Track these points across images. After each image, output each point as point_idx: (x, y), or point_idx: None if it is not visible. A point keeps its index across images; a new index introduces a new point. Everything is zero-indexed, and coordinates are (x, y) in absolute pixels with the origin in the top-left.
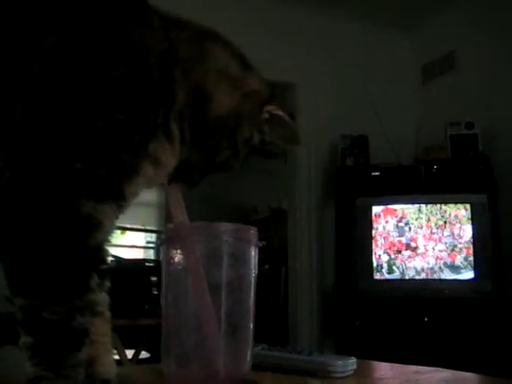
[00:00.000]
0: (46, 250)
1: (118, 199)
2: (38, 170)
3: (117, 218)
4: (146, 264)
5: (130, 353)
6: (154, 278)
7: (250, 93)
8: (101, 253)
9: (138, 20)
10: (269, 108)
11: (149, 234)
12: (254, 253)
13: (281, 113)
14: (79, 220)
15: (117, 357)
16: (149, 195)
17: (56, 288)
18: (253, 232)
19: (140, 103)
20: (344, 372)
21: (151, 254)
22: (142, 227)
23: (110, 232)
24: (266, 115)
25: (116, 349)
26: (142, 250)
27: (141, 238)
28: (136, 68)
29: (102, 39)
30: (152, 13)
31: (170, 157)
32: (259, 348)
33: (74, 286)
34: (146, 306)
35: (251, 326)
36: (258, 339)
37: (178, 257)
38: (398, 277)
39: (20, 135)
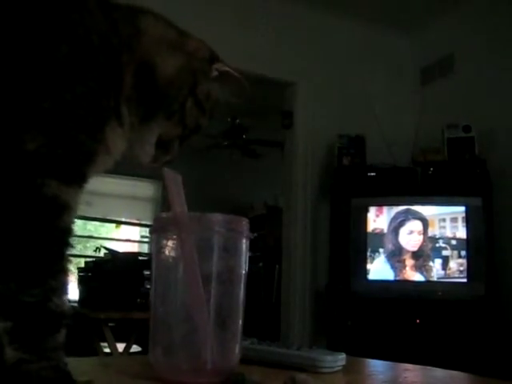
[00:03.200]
0: (18, 233)
1: (80, 181)
2: None
3: (79, 201)
4: (140, 258)
5: (121, 346)
6: (147, 272)
7: (193, 51)
8: (69, 235)
9: (75, 3)
10: (216, 66)
11: (143, 229)
12: (245, 244)
13: (228, 68)
14: (45, 201)
15: (108, 349)
16: (144, 190)
17: (31, 270)
18: (245, 223)
19: (88, 83)
20: (333, 367)
21: (145, 248)
22: (137, 221)
23: (74, 215)
24: (216, 73)
25: (107, 341)
26: (136, 244)
27: (135, 232)
28: (79, 48)
29: (42, 21)
30: None
31: (119, 142)
32: (248, 342)
33: (48, 267)
34: (139, 300)
35: (240, 319)
36: (249, 336)
37: (168, 246)
38: (391, 278)
39: None
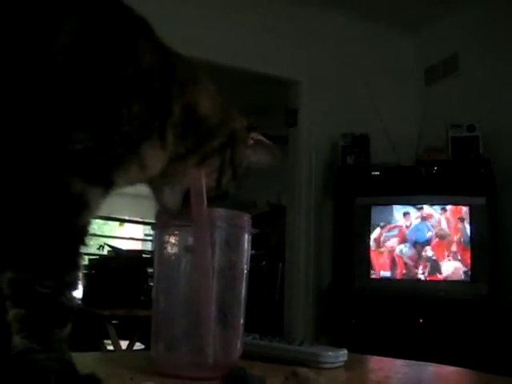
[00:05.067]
0: (40, 225)
1: (106, 185)
2: (36, 146)
3: (101, 203)
4: (143, 255)
5: (124, 343)
6: (150, 270)
7: (235, 117)
8: (85, 234)
9: (145, 34)
10: (253, 135)
11: (147, 227)
12: (247, 240)
13: (263, 138)
14: (70, 197)
15: (111, 347)
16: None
17: (49, 262)
18: (247, 219)
19: (143, 103)
20: (334, 363)
21: (149, 246)
22: (141, 220)
23: (94, 216)
24: (251, 141)
25: (110, 339)
26: (139, 242)
27: (139, 231)
28: (141, 72)
29: (118, 41)
30: (152, 31)
31: (157, 161)
32: (250, 337)
33: (65, 262)
34: (142, 297)
35: (242, 314)
36: (250, 332)
37: (170, 242)
38: (395, 277)
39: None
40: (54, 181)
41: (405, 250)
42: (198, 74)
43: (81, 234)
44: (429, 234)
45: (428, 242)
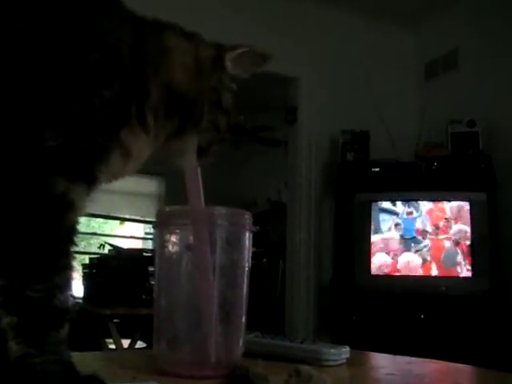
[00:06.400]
0: (25, 229)
1: (89, 181)
2: (11, 147)
3: (86, 201)
4: (144, 254)
5: (126, 342)
6: (151, 269)
7: (204, 61)
8: (74, 233)
9: (108, 11)
10: (228, 57)
11: (148, 225)
12: (248, 238)
13: (238, 50)
14: (53, 198)
15: (113, 346)
16: (148, 186)
17: (36, 266)
18: (247, 217)
19: (113, 88)
20: (337, 360)
21: (150, 245)
22: (141, 218)
23: (80, 214)
24: (229, 64)
25: (112, 337)
26: (140, 241)
27: (139, 229)
28: (108, 55)
29: (76, 26)
30: (121, 5)
31: (143, 148)
32: (252, 335)
33: (53, 264)
34: (143, 296)
35: (244, 312)
36: (253, 330)
37: (171, 240)
38: (396, 273)
39: None
40: (35, 183)
41: (405, 245)
42: (167, 38)
43: (69, 234)
44: (429, 230)
45: (428, 238)
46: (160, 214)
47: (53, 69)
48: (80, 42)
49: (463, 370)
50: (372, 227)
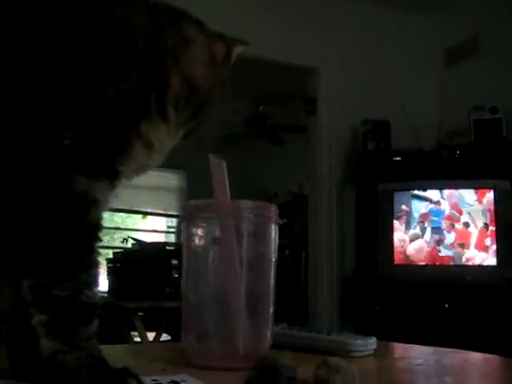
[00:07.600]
0: (50, 229)
1: (111, 177)
2: (29, 148)
3: (110, 196)
4: (167, 247)
5: (151, 335)
6: (174, 262)
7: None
8: (99, 230)
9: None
10: (235, 52)
11: (170, 219)
12: (274, 230)
13: (243, 46)
14: (75, 196)
15: (138, 339)
16: (170, 180)
17: (62, 265)
18: (273, 209)
19: (130, 80)
20: (363, 351)
21: (172, 239)
22: (163, 212)
23: (104, 210)
24: (233, 58)
25: (137, 330)
26: (163, 235)
27: (162, 223)
28: (123, 45)
29: (85, 16)
30: None
31: (165, 139)
32: (279, 327)
33: (79, 262)
34: (167, 289)
35: (271, 304)
36: (278, 322)
37: (198, 234)
38: (419, 262)
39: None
40: (56, 183)
41: (428, 235)
42: (184, 28)
43: (93, 231)
44: (453, 219)
45: (452, 227)
46: (186, 208)
47: (62, 63)
48: (90, 33)
49: (492, 360)
50: (394, 217)
